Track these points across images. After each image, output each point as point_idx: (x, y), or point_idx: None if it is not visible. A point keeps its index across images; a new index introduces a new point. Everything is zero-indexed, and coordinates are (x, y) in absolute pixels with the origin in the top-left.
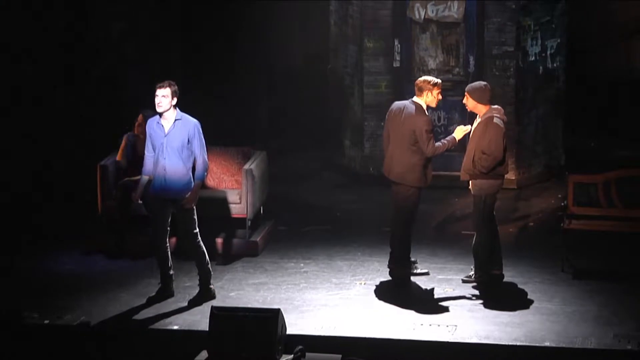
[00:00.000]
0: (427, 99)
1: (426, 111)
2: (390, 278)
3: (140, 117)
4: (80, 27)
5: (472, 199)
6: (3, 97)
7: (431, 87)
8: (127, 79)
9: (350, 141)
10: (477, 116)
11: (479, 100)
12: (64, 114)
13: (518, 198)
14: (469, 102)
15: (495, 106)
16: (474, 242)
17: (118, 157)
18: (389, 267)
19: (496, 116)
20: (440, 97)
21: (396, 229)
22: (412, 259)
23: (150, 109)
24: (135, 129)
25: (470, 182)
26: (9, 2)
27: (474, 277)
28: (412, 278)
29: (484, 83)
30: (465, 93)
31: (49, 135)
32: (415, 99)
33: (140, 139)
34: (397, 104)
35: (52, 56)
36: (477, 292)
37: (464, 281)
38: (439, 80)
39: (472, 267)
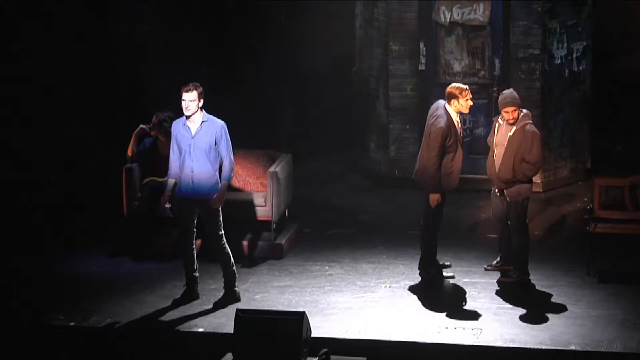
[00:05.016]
0: (456, 106)
1: (454, 119)
2: (415, 281)
3: (154, 117)
4: (104, 32)
5: (503, 204)
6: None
7: (458, 94)
8: (151, 84)
9: (376, 144)
10: (500, 119)
11: (520, 106)
12: (87, 116)
13: (544, 201)
14: (517, 112)
15: (525, 111)
16: (499, 237)
17: (129, 152)
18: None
19: (529, 122)
20: (471, 102)
21: (420, 230)
22: (446, 263)
23: (168, 110)
24: (151, 131)
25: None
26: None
27: (496, 265)
28: (437, 281)
29: (511, 89)
30: (514, 107)
31: (72, 137)
32: (446, 105)
33: (160, 140)
34: (435, 104)
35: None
36: (502, 295)
37: (486, 269)
38: (466, 87)
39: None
